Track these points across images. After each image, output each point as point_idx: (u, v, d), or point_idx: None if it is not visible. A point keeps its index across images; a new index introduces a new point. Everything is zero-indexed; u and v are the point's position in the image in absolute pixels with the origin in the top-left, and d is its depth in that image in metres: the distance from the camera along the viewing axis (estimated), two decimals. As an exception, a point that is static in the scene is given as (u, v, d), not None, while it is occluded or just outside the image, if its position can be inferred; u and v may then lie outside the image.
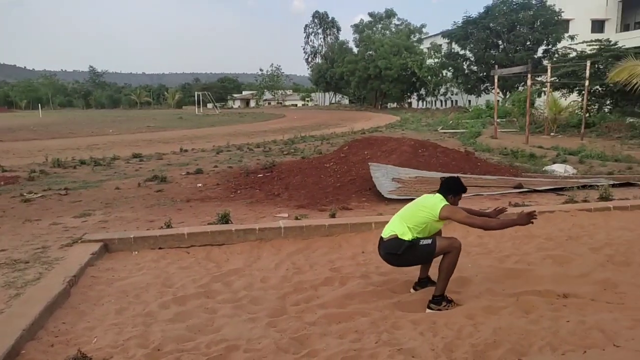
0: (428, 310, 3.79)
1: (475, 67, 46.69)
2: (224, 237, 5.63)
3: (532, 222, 3.84)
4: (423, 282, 4.20)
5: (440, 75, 55.83)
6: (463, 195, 4.08)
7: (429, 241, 3.87)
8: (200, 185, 9.74)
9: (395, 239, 3.89)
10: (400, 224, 3.94)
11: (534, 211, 3.98)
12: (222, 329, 3.53)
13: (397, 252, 3.87)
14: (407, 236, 3.86)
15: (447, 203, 3.88)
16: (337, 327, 3.53)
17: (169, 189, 9.40)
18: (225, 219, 6.11)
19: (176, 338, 3.36)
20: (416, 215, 3.91)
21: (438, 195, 3.97)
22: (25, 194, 8.90)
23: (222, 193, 8.83)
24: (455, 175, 4.37)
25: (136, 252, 5.37)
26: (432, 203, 3.90)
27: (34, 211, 7.57)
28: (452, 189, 4.00)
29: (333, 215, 6.44)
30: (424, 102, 67.75)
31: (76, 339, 3.40)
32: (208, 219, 6.58)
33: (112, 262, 5.09)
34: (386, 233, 3.99)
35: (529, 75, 17.85)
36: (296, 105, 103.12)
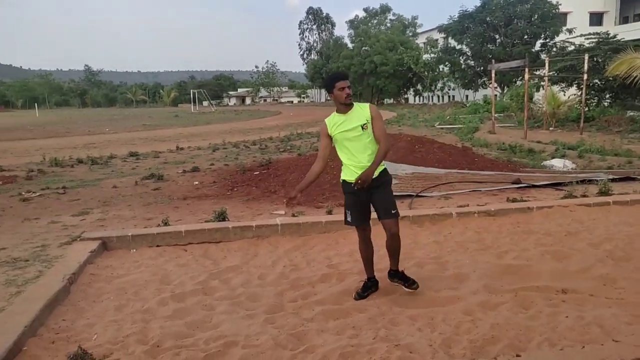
0: None
1: (473, 62, 46.63)
2: (221, 234, 5.63)
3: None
4: (390, 274, 4.10)
5: (437, 70, 55.76)
6: (345, 84, 3.71)
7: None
8: (196, 183, 9.72)
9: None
10: None
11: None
12: (220, 325, 3.53)
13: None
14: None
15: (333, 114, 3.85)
16: (335, 323, 3.53)
17: (165, 187, 9.38)
18: (222, 216, 6.10)
19: (175, 334, 3.36)
20: None
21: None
22: (23, 193, 8.88)
23: (218, 191, 8.81)
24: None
25: (134, 250, 5.37)
26: None
27: (32, 210, 7.56)
28: (326, 86, 3.83)
29: (330, 212, 6.44)
30: (421, 98, 67.74)
31: (76, 335, 3.40)
32: (205, 216, 6.57)
33: (111, 259, 5.09)
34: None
35: (527, 70, 17.83)
36: (292, 102, 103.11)
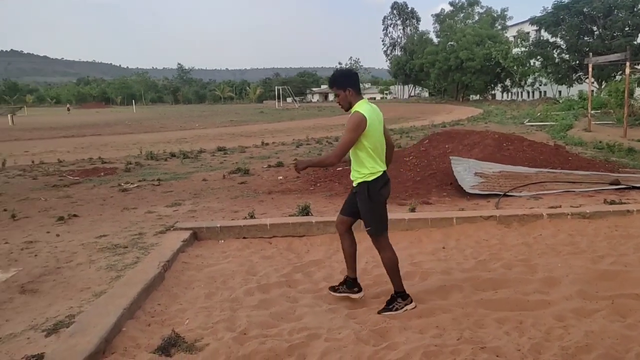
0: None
1: (567, 56, 43.81)
2: (305, 228, 5.75)
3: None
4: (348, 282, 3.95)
5: (528, 64, 52.97)
6: (334, 92, 3.63)
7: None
8: (281, 177, 9.99)
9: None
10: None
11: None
12: (303, 317, 3.62)
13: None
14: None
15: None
16: (418, 321, 3.50)
17: (251, 181, 9.73)
18: (305, 211, 6.23)
19: (260, 324, 3.49)
20: None
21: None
22: (122, 184, 9.61)
23: (302, 186, 8.99)
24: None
25: (222, 241, 5.63)
26: None
27: (130, 200, 8.16)
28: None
29: (413, 210, 6.37)
30: (509, 94, 64.70)
31: (170, 319, 3.64)
32: (289, 210, 6.74)
33: (201, 249, 5.38)
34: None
35: (628, 64, 16.49)
36: (374, 98, 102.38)
